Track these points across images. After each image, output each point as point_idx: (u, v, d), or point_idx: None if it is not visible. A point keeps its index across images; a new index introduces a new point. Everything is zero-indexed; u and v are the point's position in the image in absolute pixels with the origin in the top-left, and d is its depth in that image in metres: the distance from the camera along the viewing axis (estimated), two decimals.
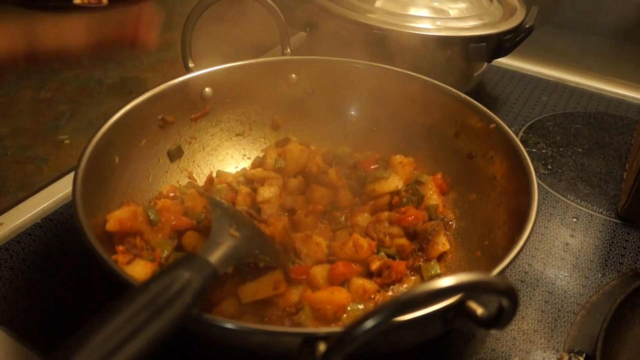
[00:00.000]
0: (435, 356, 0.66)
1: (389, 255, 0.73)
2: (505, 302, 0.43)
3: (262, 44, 1.32)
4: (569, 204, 0.91)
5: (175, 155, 0.82)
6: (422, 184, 0.81)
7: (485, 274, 0.42)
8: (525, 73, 1.29)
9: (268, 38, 1.31)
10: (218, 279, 0.51)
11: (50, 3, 0.56)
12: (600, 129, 1.11)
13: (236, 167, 0.88)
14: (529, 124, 1.11)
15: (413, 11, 1.02)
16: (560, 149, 1.04)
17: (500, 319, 0.45)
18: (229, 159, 0.88)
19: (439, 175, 0.83)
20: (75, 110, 1.03)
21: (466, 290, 0.40)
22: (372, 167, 0.85)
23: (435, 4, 1.04)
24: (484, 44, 1.02)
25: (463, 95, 0.83)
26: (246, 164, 0.89)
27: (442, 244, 0.74)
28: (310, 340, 0.46)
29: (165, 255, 0.67)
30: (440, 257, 0.74)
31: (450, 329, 0.51)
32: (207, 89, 0.83)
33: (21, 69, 0.52)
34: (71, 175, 0.62)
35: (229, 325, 0.47)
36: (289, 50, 0.96)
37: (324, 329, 0.49)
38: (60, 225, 0.79)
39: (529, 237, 0.57)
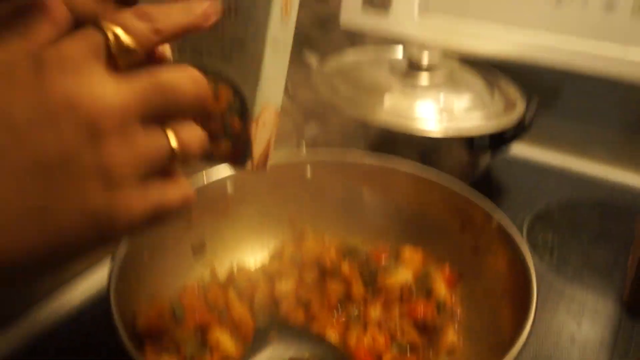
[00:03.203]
0: None
1: (400, 350, 0.76)
2: None
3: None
4: (575, 295, 0.94)
5: (198, 249, 0.88)
6: (431, 276, 0.85)
7: None
8: (529, 160, 1.34)
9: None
10: None
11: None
12: (606, 217, 1.14)
13: (255, 259, 0.93)
14: (534, 212, 1.15)
15: (419, 112, 1.09)
16: (566, 238, 1.08)
17: None
18: (249, 250, 0.94)
19: (447, 267, 0.87)
20: None
21: None
22: (383, 258, 0.90)
23: (441, 104, 1.12)
24: (487, 138, 1.09)
25: (466, 188, 0.87)
26: (265, 254, 0.94)
27: (451, 338, 0.77)
28: None
29: (189, 352, 0.70)
30: (449, 351, 0.77)
31: None
32: (229, 189, 0.90)
33: None
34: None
35: None
36: (304, 144, 1.03)
37: None
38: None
39: (525, 342, 0.60)
